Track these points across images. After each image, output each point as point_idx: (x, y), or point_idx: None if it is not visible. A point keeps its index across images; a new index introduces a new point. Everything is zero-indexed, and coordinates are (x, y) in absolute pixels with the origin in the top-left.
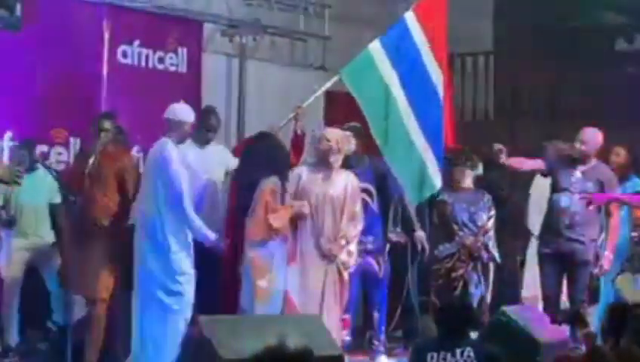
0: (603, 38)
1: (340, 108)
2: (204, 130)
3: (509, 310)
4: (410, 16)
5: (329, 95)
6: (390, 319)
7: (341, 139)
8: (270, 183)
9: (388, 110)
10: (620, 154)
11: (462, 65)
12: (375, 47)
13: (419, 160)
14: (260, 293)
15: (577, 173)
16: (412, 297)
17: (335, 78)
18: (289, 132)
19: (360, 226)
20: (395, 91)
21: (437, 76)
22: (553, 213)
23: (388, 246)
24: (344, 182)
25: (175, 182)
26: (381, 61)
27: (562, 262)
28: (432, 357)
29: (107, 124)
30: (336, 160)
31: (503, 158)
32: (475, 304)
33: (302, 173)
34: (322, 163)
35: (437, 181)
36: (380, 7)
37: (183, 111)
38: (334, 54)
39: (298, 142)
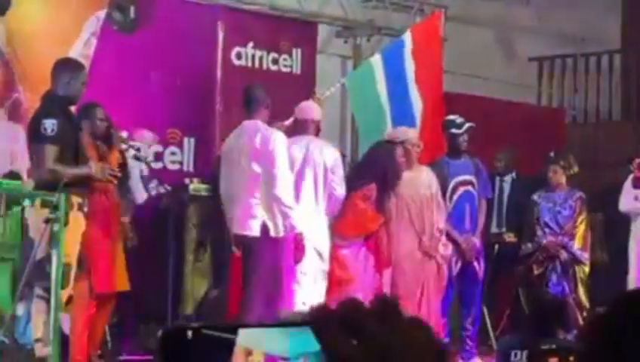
0: None
1: None
2: None
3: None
4: (407, 37)
5: None
6: (499, 320)
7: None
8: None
9: (380, 123)
10: None
11: (585, 65)
12: (376, 61)
13: None
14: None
15: None
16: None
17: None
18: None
19: (445, 215)
20: (385, 106)
21: (417, 101)
22: None
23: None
24: (427, 177)
25: None
26: (379, 75)
27: None
28: (515, 355)
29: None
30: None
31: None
32: (556, 304)
33: None
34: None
35: None
36: (499, 8)
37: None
38: (452, 55)
39: None
